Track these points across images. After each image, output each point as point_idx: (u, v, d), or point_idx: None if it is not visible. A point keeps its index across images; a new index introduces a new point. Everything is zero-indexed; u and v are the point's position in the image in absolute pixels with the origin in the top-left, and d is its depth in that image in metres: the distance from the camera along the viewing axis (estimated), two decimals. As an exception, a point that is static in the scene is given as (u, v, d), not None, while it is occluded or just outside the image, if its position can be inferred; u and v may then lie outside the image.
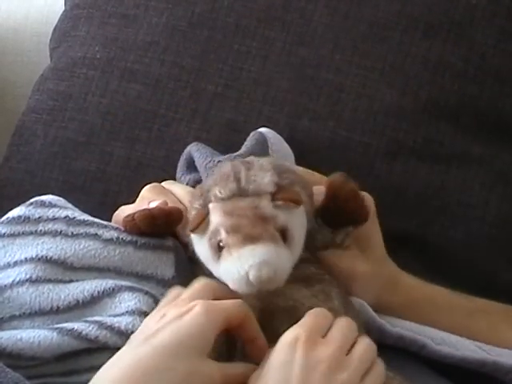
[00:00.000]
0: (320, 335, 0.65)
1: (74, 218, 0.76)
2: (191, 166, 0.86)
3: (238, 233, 0.69)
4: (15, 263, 0.73)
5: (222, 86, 0.97)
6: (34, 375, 0.68)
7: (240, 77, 0.97)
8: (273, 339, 0.66)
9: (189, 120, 0.96)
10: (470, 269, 0.90)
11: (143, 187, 0.83)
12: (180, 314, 0.64)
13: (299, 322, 0.66)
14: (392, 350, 0.75)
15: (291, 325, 0.66)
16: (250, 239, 0.68)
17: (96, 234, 0.75)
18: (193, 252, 0.73)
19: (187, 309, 0.64)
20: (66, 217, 0.76)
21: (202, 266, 0.72)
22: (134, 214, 0.76)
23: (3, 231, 0.76)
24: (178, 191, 0.81)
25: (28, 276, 0.72)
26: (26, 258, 0.73)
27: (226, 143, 0.85)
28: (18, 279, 0.72)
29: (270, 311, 0.70)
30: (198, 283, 0.68)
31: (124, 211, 0.80)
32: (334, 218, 0.75)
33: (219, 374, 0.63)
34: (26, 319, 0.71)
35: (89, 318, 0.71)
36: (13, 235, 0.76)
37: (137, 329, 0.68)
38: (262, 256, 0.68)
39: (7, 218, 0.77)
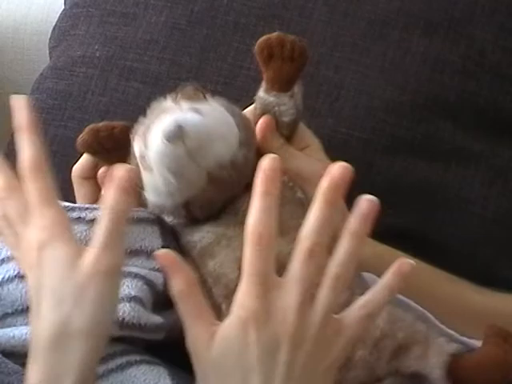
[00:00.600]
0: (268, 302, 0.59)
1: None
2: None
3: (146, 131, 0.72)
4: (2, 261, 0.73)
5: (221, 84, 0.97)
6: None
7: (239, 75, 0.97)
8: None
9: (188, 118, 0.96)
10: (470, 265, 0.89)
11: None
12: (38, 264, 0.61)
13: (242, 288, 0.60)
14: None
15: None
16: (157, 121, 0.71)
17: (79, 217, 0.75)
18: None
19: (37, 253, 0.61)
20: None
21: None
22: (84, 132, 0.78)
23: None
24: None
25: (16, 272, 0.72)
26: (12, 254, 0.73)
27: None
28: (7, 276, 0.72)
29: None
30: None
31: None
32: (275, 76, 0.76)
33: (100, 255, 0.60)
34: (19, 316, 0.71)
35: None
36: None
37: (128, 315, 0.67)
38: (164, 120, 0.71)
39: None
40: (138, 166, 0.74)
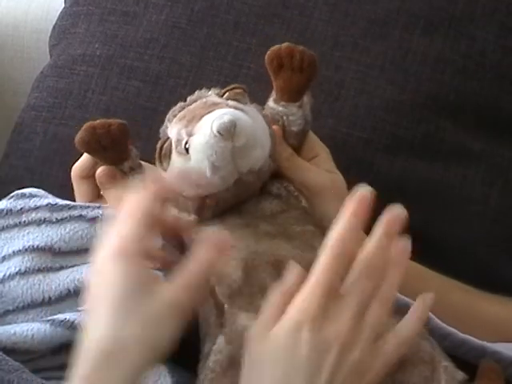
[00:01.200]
0: (326, 310, 0.63)
1: (56, 203, 0.76)
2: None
3: (193, 119, 0.72)
4: (3, 258, 0.73)
5: (221, 83, 0.96)
6: (30, 369, 0.68)
7: (239, 74, 0.97)
8: (260, 291, 0.67)
9: (188, 117, 0.96)
10: (470, 264, 0.90)
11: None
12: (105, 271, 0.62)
13: (304, 291, 0.63)
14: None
15: (276, 278, 0.65)
16: (207, 113, 0.72)
17: (80, 215, 0.75)
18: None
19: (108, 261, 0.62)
20: (47, 204, 0.76)
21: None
22: (81, 130, 0.78)
23: None
24: None
25: (17, 269, 0.72)
26: (13, 252, 0.73)
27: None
28: (8, 273, 0.72)
29: (253, 266, 0.70)
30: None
31: None
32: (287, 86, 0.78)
33: (179, 291, 0.61)
34: (20, 313, 0.71)
35: (81, 308, 0.71)
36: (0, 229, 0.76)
37: None
38: (221, 111, 0.71)
39: None
40: (161, 148, 0.75)
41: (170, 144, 0.75)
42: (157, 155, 0.76)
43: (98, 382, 0.59)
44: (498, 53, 0.94)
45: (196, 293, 0.62)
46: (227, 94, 0.76)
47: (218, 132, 0.69)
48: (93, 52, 1.01)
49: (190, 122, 0.73)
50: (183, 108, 0.77)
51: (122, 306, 0.61)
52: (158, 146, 0.76)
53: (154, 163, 0.94)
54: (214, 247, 0.63)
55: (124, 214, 0.64)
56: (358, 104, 0.93)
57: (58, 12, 1.09)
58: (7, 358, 0.66)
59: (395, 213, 0.67)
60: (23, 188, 0.81)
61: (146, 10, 1.01)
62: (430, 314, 0.76)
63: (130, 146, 0.81)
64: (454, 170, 0.92)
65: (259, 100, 0.95)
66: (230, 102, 0.75)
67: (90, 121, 0.97)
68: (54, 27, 1.09)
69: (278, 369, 0.62)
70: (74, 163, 0.97)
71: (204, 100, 0.76)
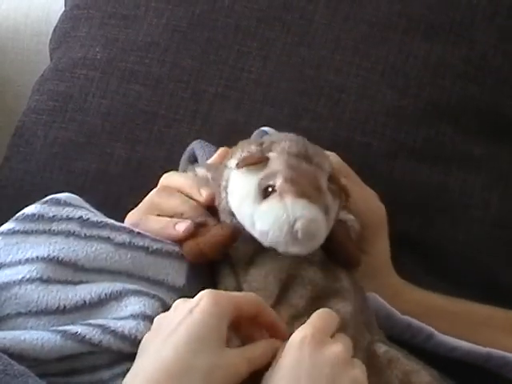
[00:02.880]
0: (327, 335, 0.66)
1: (88, 219, 0.76)
2: (194, 163, 0.86)
3: (296, 186, 0.70)
4: (26, 260, 0.73)
5: (222, 86, 0.97)
6: (35, 374, 0.68)
7: (240, 77, 0.97)
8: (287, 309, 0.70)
9: (189, 121, 0.96)
10: (471, 269, 0.90)
11: (146, 187, 0.82)
12: (190, 309, 0.65)
13: (307, 322, 0.67)
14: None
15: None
16: (308, 196, 0.70)
17: (108, 237, 0.75)
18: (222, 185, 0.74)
19: (196, 302, 0.65)
20: (79, 217, 0.76)
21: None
22: (199, 241, 0.75)
23: (17, 228, 0.75)
24: (177, 180, 0.81)
25: (39, 275, 0.72)
26: (37, 257, 0.73)
27: (227, 144, 0.85)
28: (27, 277, 0.72)
29: (287, 286, 0.72)
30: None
31: (134, 215, 0.80)
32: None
33: (242, 359, 0.65)
34: (32, 317, 0.71)
35: (92, 321, 0.70)
36: (26, 232, 0.75)
37: (140, 333, 0.68)
38: (316, 215, 0.69)
39: (22, 215, 0.76)
40: (256, 159, 0.73)
41: (261, 163, 0.72)
42: (245, 156, 0.73)
43: None
44: (498, 57, 0.94)
45: (253, 368, 0.65)
46: (333, 186, 0.73)
47: (296, 230, 0.68)
48: (93, 55, 1.01)
49: (292, 184, 0.70)
50: (300, 155, 0.73)
51: (206, 339, 0.64)
52: (255, 156, 0.73)
53: (155, 168, 0.95)
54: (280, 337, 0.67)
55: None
56: (359, 108, 0.93)
57: (59, 15, 1.09)
58: (13, 362, 0.65)
59: None
60: (23, 192, 0.81)
61: (147, 13, 1.01)
62: (432, 329, 0.76)
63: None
64: (454, 175, 0.92)
65: (259, 104, 0.95)
66: (329, 199, 0.72)
67: (90, 124, 0.98)
68: (54, 30, 1.08)
69: (286, 378, 0.64)
70: (74, 166, 0.97)
71: (317, 175, 0.72)
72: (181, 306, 0.66)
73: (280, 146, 0.73)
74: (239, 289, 0.72)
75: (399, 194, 0.91)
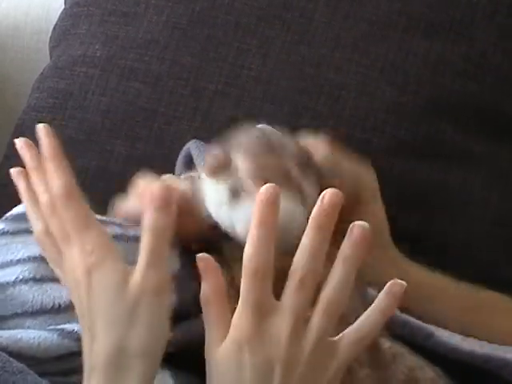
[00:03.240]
0: (264, 314, 0.61)
1: None
2: (190, 164, 0.86)
3: (262, 180, 0.68)
4: (18, 261, 0.73)
5: (222, 84, 0.97)
6: (34, 373, 0.68)
7: (240, 75, 0.97)
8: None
9: (189, 118, 0.96)
10: (471, 267, 0.90)
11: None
12: (88, 285, 0.62)
13: (237, 312, 0.61)
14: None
15: None
16: (275, 180, 0.68)
17: None
18: (198, 198, 0.73)
19: (86, 274, 0.62)
20: None
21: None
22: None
23: (7, 228, 0.76)
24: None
25: (32, 275, 0.72)
26: (28, 257, 0.73)
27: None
28: (20, 277, 0.72)
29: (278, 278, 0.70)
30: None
31: (123, 206, 0.79)
32: None
33: (149, 277, 0.61)
34: (28, 317, 0.71)
35: None
36: (15, 233, 0.75)
37: None
38: (287, 206, 0.68)
39: (11, 215, 0.77)
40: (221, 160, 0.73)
41: (228, 165, 0.72)
42: (210, 163, 0.73)
43: None
44: (498, 55, 0.94)
45: (158, 267, 0.62)
46: (310, 170, 0.73)
47: None
48: (93, 53, 1.01)
49: (257, 178, 0.70)
50: (262, 146, 0.73)
51: (112, 315, 0.61)
52: (218, 160, 0.73)
53: (155, 165, 0.95)
54: (158, 205, 0.62)
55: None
56: (359, 106, 0.93)
57: (59, 13, 1.09)
58: (12, 359, 0.65)
59: (326, 202, 0.60)
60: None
61: (147, 10, 1.01)
62: (433, 328, 0.76)
63: None
64: (454, 173, 0.92)
65: (258, 101, 0.96)
66: (304, 184, 0.72)
67: (90, 122, 0.98)
68: (54, 28, 1.08)
69: None
70: (74, 163, 0.97)
71: (282, 162, 0.72)
72: (78, 284, 0.63)
73: (241, 145, 0.73)
74: (233, 283, 0.71)
75: (399, 191, 0.91)
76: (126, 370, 0.60)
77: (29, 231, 0.75)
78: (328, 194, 0.61)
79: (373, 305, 0.63)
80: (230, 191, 0.71)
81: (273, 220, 0.61)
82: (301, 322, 0.61)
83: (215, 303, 0.63)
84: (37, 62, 1.14)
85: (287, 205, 0.69)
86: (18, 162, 1.01)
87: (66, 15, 1.07)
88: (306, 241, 0.61)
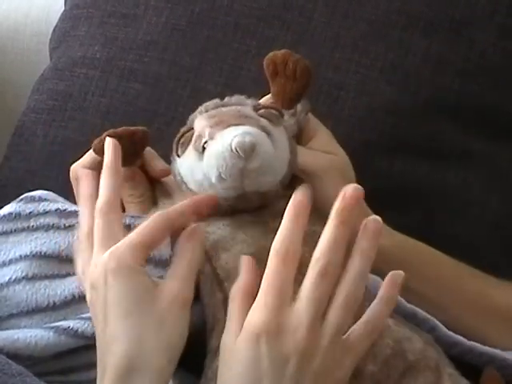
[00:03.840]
0: (284, 307, 0.62)
1: (65, 209, 0.76)
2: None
3: (221, 124, 0.72)
4: (10, 261, 0.73)
5: (221, 85, 0.97)
6: (32, 374, 0.68)
7: (240, 76, 0.97)
8: None
9: (188, 119, 0.96)
10: (471, 267, 0.89)
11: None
12: (104, 287, 0.64)
13: (257, 302, 0.63)
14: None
15: None
16: (233, 124, 0.72)
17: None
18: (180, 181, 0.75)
19: (103, 277, 0.64)
20: (56, 209, 0.76)
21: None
22: (102, 137, 0.77)
23: None
24: None
25: (24, 274, 0.72)
26: (20, 256, 0.73)
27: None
28: (14, 277, 0.72)
29: (262, 260, 0.69)
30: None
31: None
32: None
33: (176, 285, 0.64)
34: (24, 317, 0.71)
35: (84, 315, 0.71)
36: (5, 233, 0.76)
37: None
38: (246, 129, 0.71)
39: (1, 215, 0.77)
40: (183, 135, 0.76)
41: (192, 135, 0.75)
42: (176, 140, 0.77)
43: None
44: (497, 55, 0.94)
45: (191, 281, 0.64)
46: (263, 111, 0.76)
47: (236, 149, 0.69)
48: (93, 54, 1.01)
49: (216, 124, 0.73)
50: (217, 106, 0.77)
51: (134, 316, 0.63)
52: (181, 131, 0.77)
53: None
54: (193, 234, 0.66)
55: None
56: (358, 105, 0.93)
57: (59, 15, 1.09)
58: (10, 361, 0.65)
59: (349, 197, 0.62)
60: (23, 191, 0.81)
61: (146, 12, 1.01)
62: (437, 322, 0.76)
63: None
64: (454, 172, 0.92)
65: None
66: (262, 121, 0.74)
67: (90, 123, 0.98)
68: (54, 30, 1.09)
69: (242, 382, 0.62)
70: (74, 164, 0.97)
71: (238, 108, 0.76)
72: (95, 286, 0.65)
73: (197, 112, 0.77)
74: (215, 274, 0.72)
75: (398, 191, 0.91)
76: (141, 373, 0.62)
77: (18, 230, 0.75)
78: (350, 188, 0.63)
79: (377, 297, 0.64)
80: (195, 151, 0.73)
81: (306, 215, 0.63)
82: (319, 314, 0.62)
83: (241, 298, 0.64)
84: (37, 64, 1.14)
85: (248, 129, 0.71)
86: (17, 163, 1.02)
87: (65, 17, 1.07)
88: (328, 233, 0.63)
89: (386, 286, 0.64)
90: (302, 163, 0.78)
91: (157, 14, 1.00)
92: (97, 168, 0.79)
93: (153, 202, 0.81)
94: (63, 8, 1.10)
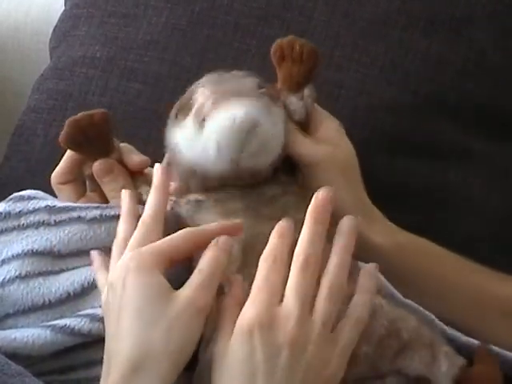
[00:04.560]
0: (275, 303, 0.64)
1: (55, 205, 0.76)
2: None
3: (224, 94, 0.73)
4: (3, 261, 0.73)
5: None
6: (31, 373, 0.68)
7: (240, 75, 0.97)
8: None
9: (189, 118, 0.96)
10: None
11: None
12: (122, 286, 0.65)
13: (250, 298, 0.65)
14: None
15: None
16: (238, 95, 0.72)
17: (79, 216, 0.75)
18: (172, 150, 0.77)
19: (124, 273, 0.65)
20: (46, 206, 0.76)
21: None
22: (65, 127, 0.79)
23: None
24: None
25: (17, 273, 0.72)
26: (12, 255, 0.73)
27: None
28: (7, 277, 0.72)
29: (253, 247, 0.71)
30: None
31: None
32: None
33: (194, 293, 0.64)
34: (21, 316, 0.71)
35: (81, 312, 0.71)
36: (0, 232, 0.75)
37: None
38: (250, 104, 0.71)
39: None
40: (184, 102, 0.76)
41: (192, 106, 0.75)
42: (177, 105, 0.77)
43: None
44: (497, 54, 0.94)
45: (209, 291, 0.65)
46: (264, 89, 0.77)
47: (239, 125, 0.70)
48: (93, 54, 1.01)
49: (220, 96, 0.73)
50: (220, 80, 0.78)
51: (145, 316, 0.63)
52: (183, 98, 0.77)
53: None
54: (223, 248, 0.67)
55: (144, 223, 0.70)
56: (358, 104, 0.93)
57: (59, 14, 1.09)
58: (10, 361, 0.65)
59: (320, 198, 0.68)
60: (24, 190, 0.81)
61: (146, 11, 1.01)
62: (433, 316, 0.76)
63: (113, 137, 0.82)
64: (454, 171, 0.92)
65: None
66: (264, 98, 0.75)
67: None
68: (54, 29, 1.09)
69: (238, 375, 0.63)
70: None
71: (242, 81, 0.77)
72: (114, 285, 0.66)
73: (200, 84, 0.77)
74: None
75: (399, 189, 0.91)
76: (147, 372, 0.62)
77: (9, 229, 0.75)
78: (322, 190, 0.68)
79: (356, 289, 0.68)
80: (195, 122, 0.73)
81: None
82: (306, 306, 0.64)
83: (232, 308, 0.67)
84: (37, 63, 1.15)
85: (251, 103, 0.72)
86: (17, 162, 1.02)
87: (66, 16, 1.07)
88: (305, 231, 0.67)
89: (362, 277, 0.69)
90: (303, 152, 0.79)
91: (157, 14, 1.00)
92: (76, 172, 0.82)
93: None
94: (63, 7, 1.10)
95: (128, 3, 1.02)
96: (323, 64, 0.94)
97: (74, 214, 0.75)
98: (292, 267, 0.66)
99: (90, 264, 0.73)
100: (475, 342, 0.76)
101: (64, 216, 0.75)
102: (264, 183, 0.76)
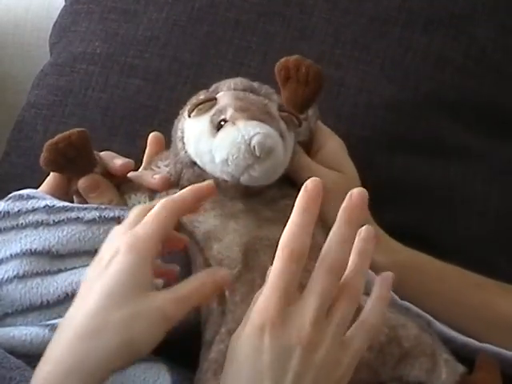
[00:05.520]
0: (286, 313, 0.62)
1: (54, 205, 0.76)
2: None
3: (246, 111, 0.72)
4: (1, 261, 0.73)
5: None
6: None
7: (240, 72, 0.96)
8: (261, 276, 0.67)
9: (189, 115, 0.96)
10: (470, 264, 0.89)
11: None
12: (109, 260, 0.62)
13: (264, 296, 0.63)
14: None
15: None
16: (259, 119, 0.72)
17: (77, 217, 0.75)
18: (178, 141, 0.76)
19: (113, 253, 0.63)
20: (45, 206, 0.76)
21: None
22: (44, 152, 0.79)
23: None
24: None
25: (15, 272, 0.72)
26: (11, 255, 0.73)
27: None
28: (6, 277, 0.72)
29: (254, 250, 0.71)
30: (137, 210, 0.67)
31: None
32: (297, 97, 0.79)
33: (169, 300, 0.61)
34: (19, 316, 0.71)
35: None
36: None
37: None
38: (270, 130, 0.71)
39: None
40: (203, 102, 0.75)
41: (212, 106, 0.75)
42: (194, 102, 0.76)
43: (71, 358, 0.59)
44: (497, 51, 0.94)
45: (184, 309, 0.62)
46: (285, 114, 0.76)
47: (254, 147, 0.70)
48: (93, 50, 1.01)
49: (241, 110, 0.73)
50: (246, 89, 0.77)
51: (114, 297, 0.61)
52: (202, 97, 0.77)
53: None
54: (214, 281, 0.64)
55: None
56: (358, 102, 0.93)
57: (59, 10, 1.09)
58: (9, 355, 0.66)
59: (355, 198, 0.65)
60: (23, 186, 0.82)
61: (147, 7, 1.01)
62: (430, 317, 0.76)
63: (94, 151, 0.81)
64: (454, 169, 0.92)
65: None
66: (282, 124, 0.75)
67: (90, 119, 0.98)
68: (54, 25, 1.09)
69: (245, 374, 0.62)
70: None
71: (265, 102, 0.76)
72: (106, 254, 0.64)
73: (225, 85, 0.77)
74: (207, 264, 0.72)
75: (399, 187, 0.91)
76: (100, 342, 0.60)
77: (7, 228, 0.75)
78: (356, 190, 0.65)
79: (370, 297, 0.65)
80: (210, 123, 0.73)
81: (315, 209, 0.64)
82: (324, 309, 0.63)
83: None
84: (37, 59, 1.14)
85: (271, 131, 0.71)
86: (17, 158, 1.02)
87: (66, 12, 1.07)
88: (336, 231, 0.64)
89: (378, 286, 0.66)
90: (302, 177, 0.77)
91: (157, 10, 1.00)
92: (62, 191, 0.81)
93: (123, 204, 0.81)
94: (63, 3, 1.10)
95: (128, -1, 1.02)
96: (323, 62, 0.94)
97: (73, 215, 0.75)
98: (317, 266, 0.64)
99: (87, 265, 0.73)
100: (473, 342, 0.77)
101: (63, 216, 0.75)
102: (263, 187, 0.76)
